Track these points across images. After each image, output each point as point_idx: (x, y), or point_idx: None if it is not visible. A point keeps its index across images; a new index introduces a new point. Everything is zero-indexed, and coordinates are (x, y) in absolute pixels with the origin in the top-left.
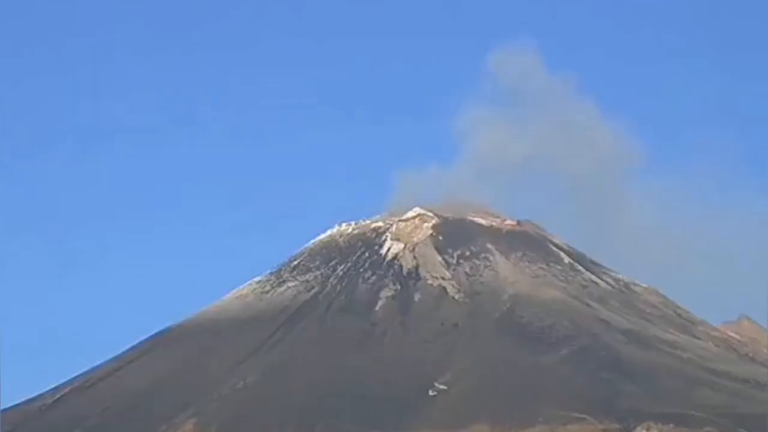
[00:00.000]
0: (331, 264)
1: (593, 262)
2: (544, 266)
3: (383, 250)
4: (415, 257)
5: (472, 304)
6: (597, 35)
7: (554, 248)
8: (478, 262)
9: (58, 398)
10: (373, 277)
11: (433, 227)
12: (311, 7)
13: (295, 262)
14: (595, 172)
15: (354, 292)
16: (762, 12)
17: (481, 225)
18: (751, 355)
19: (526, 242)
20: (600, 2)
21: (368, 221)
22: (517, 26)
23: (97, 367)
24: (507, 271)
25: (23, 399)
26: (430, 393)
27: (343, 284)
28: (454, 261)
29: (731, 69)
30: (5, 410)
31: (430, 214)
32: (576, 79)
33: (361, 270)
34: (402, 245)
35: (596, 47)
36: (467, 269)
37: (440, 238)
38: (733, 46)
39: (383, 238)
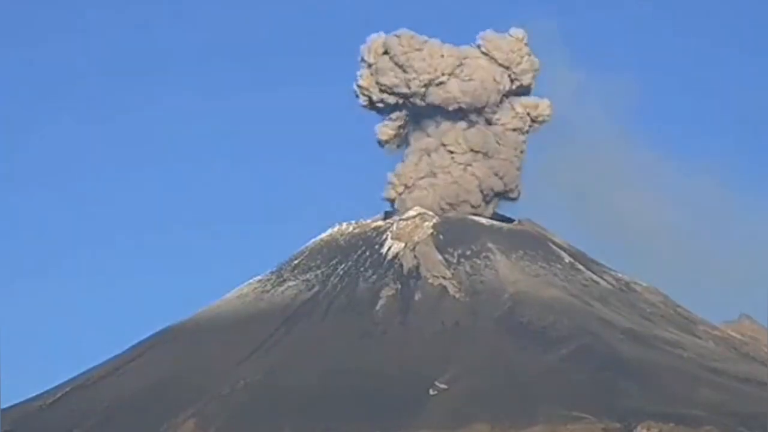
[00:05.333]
0: (331, 263)
1: (594, 261)
2: (544, 265)
3: (384, 250)
4: (415, 256)
5: (472, 304)
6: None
7: (555, 247)
8: (478, 261)
9: (58, 398)
10: (374, 277)
11: (434, 226)
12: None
13: (296, 261)
14: (596, 170)
15: (354, 291)
16: None
17: (481, 224)
18: (751, 354)
19: (527, 241)
20: None
21: (368, 220)
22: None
23: (97, 367)
24: (507, 270)
25: (23, 399)
26: (430, 393)
27: (344, 283)
28: (455, 260)
29: (738, 68)
30: (5, 410)
31: (431, 213)
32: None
33: (362, 269)
34: (402, 244)
35: (598, 40)
36: (468, 268)
37: (441, 237)
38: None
39: (384, 237)
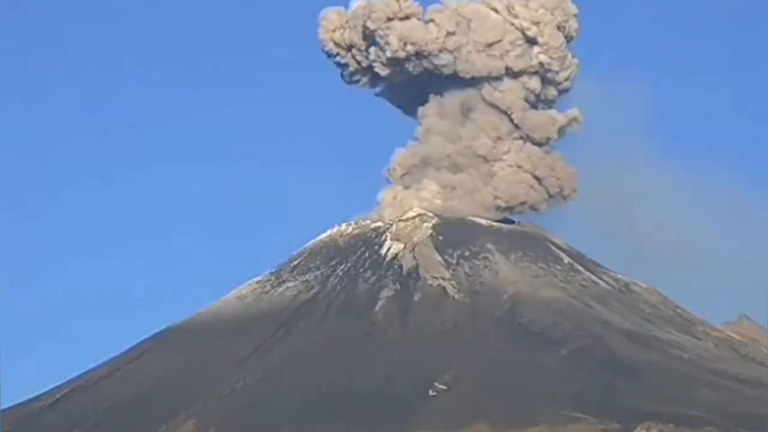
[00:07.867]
0: (331, 264)
1: (593, 262)
2: (544, 266)
3: (383, 250)
4: (415, 257)
5: (472, 304)
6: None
7: (554, 248)
8: (478, 262)
9: (58, 398)
10: (373, 277)
11: (433, 227)
12: None
13: (295, 262)
14: (595, 171)
15: (354, 292)
16: None
17: (481, 225)
18: (751, 355)
19: (526, 242)
20: None
21: (368, 221)
22: None
23: (97, 367)
24: (507, 271)
25: (23, 399)
26: (430, 393)
27: (343, 284)
28: (454, 261)
29: (737, 75)
30: (5, 410)
31: (430, 213)
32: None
33: (361, 270)
34: (402, 245)
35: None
36: (467, 269)
37: (440, 238)
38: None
39: (383, 238)
